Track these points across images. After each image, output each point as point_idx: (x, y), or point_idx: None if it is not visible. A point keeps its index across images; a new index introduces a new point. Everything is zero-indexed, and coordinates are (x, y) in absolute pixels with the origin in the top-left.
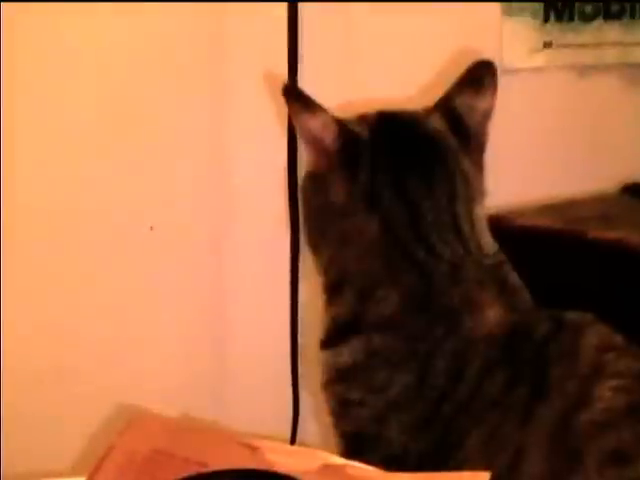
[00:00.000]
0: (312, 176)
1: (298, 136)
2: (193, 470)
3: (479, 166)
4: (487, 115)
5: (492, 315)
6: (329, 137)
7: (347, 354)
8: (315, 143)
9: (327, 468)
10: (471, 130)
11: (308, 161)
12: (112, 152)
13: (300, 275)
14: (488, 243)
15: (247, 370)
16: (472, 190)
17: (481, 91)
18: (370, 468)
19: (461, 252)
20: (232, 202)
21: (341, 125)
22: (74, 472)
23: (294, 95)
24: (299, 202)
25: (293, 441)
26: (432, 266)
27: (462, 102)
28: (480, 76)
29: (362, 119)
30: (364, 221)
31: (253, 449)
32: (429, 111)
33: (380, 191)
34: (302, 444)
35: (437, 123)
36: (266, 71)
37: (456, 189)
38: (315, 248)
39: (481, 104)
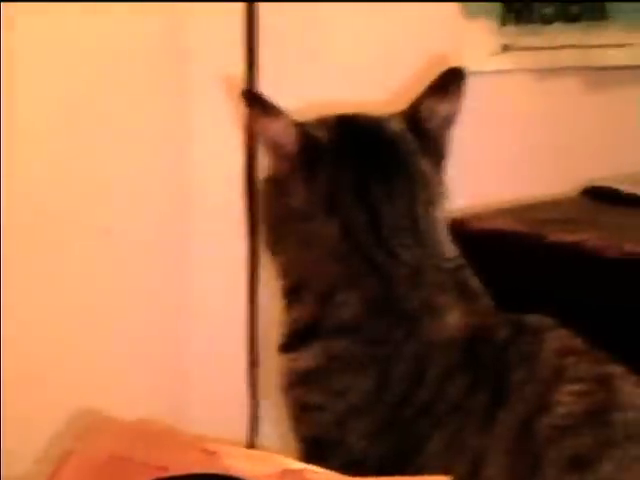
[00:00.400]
0: (272, 180)
1: (259, 140)
2: (152, 475)
3: (439, 169)
4: (448, 120)
5: (452, 319)
6: (289, 141)
7: (307, 358)
8: (275, 147)
9: (286, 473)
10: (431, 133)
11: (268, 165)
12: (68, 154)
13: (258, 279)
14: (448, 247)
15: (206, 374)
16: (432, 193)
17: (445, 96)
18: (329, 472)
19: (421, 256)
20: (190, 206)
21: (301, 129)
22: (32, 477)
23: (253, 99)
24: (258, 206)
25: (251, 445)
26: (392, 270)
27: (425, 106)
28: (446, 82)
29: (322, 122)
30: (324, 225)
31: (211, 454)
32: (392, 115)
33: (340, 195)
34: (261, 448)
35: (397, 126)
36: (225, 74)
37: (416, 192)
38: (275, 252)
39: (443, 108)
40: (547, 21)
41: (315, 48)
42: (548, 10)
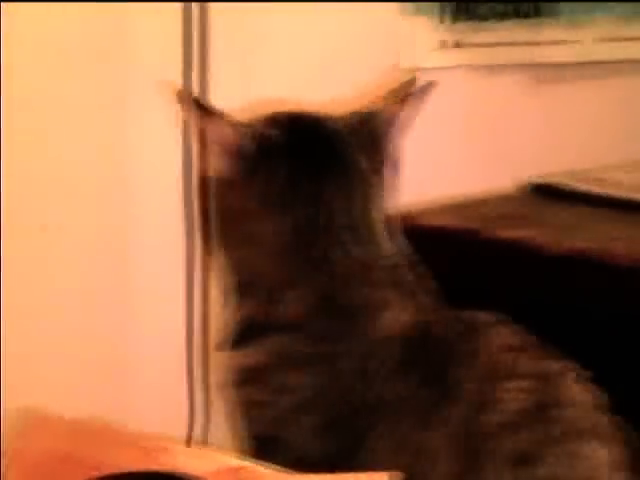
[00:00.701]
0: (221, 181)
1: (205, 142)
2: (90, 473)
3: (380, 168)
4: (389, 120)
5: (397, 316)
6: (242, 141)
7: (254, 355)
8: (226, 149)
9: (227, 470)
10: (371, 133)
11: (216, 167)
12: (5, 149)
13: (195, 277)
14: (395, 243)
15: (147, 370)
16: (370, 191)
17: (400, 98)
18: (266, 470)
19: (367, 253)
20: (128, 203)
21: (254, 129)
22: None
23: (196, 104)
24: (197, 204)
25: (189, 443)
26: (339, 268)
27: (368, 107)
28: (397, 87)
29: (272, 121)
30: (274, 223)
31: (149, 451)
32: (335, 115)
33: (291, 194)
34: (204, 445)
35: (347, 123)
36: (163, 76)
37: (364, 191)
38: (225, 247)
39: (394, 107)
40: (494, 18)
41: (256, 47)
42: (497, 6)
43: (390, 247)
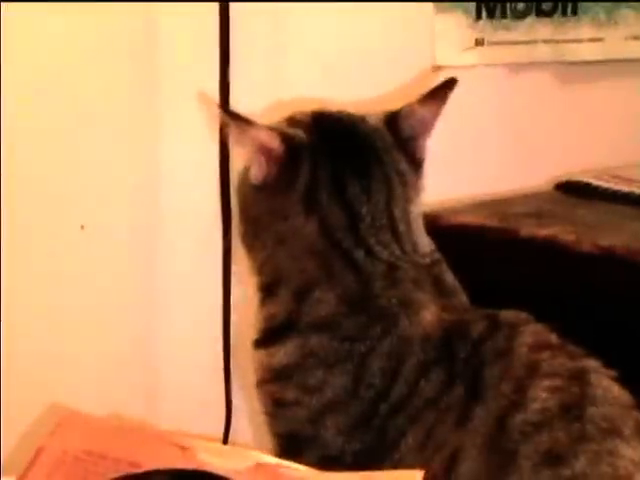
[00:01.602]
0: (258, 187)
1: (244, 150)
2: (124, 471)
3: (416, 165)
4: (426, 121)
5: (428, 315)
6: (275, 144)
7: (283, 354)
8: (264, 153)
9: (259, 468)
10: (408, 132)
11: (255, 173)
12: (43, 150)
13: (232, 275)
14: (424, 242)
15: (180, 368)
16: (409, 190)
17: (429, 99)
18: (302, 467)
19: (398, 253)
20: (164, 202)
21: (281, 131)
22: (4, 472)
23: (232, 115)
24: (238, 204)
25: (225, 440)
26: (369, 267)
27: (406, 106)
28: (434, 88)
29: (297, 122)
30: (302, 223)
31: (185, 449)
32: (369, 113)
33: (319, 194)
34: (235, 443)
35: (373, 123)
36: (198, 78)
37: (393, 191)
38: (251, 248)
39: (424, 109)
40: (520, 16)
41: (286, 46)
42: (520, 5)
43: (427, 245)
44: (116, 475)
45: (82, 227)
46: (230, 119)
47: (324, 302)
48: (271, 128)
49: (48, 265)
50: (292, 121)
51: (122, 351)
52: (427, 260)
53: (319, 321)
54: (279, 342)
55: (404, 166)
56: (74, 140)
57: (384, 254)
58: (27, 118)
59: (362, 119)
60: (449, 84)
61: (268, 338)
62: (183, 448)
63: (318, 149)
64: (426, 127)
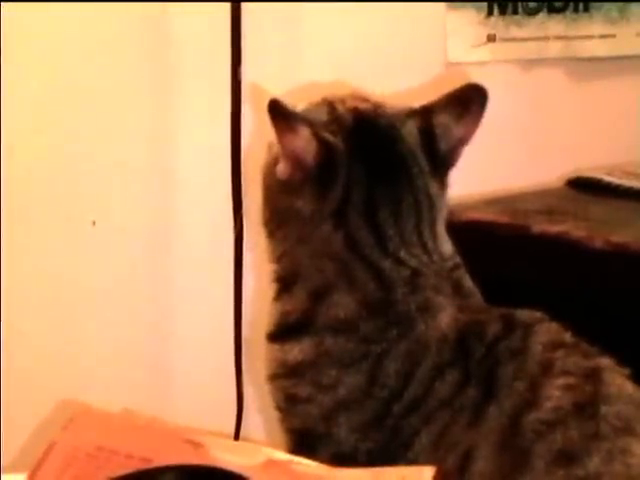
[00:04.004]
0: (283, 182)
1: (279, 149)
2: (136, 466)
3: (445, 186)
4: (464, 141)
5: (445, 317)
6: (309, 155)
7: (297, 351)
8: (295, 159)
9: (271, 464)
10: (442, 153)
11: (281, 170)
12: (55, 147)
13: (244, 268)
14: (448, 248)
15: (191, 364)
16: (437, 211)
17: (464, 117)
18: (313, 464)
19: (424, 261)
20: (175, 198)
21: (321, 141)
22: (16, 468)
23: (277, 112)
24: (263, 188)
25: (237, 436)
26: (394, 275)
27: (442, 122)
28: (468, 100)
29: (338, 122)
30: (328, 234)
31: (197, 445)
32: (407, 118)
33: (349, 213)
34: (247, 439)
35: (412, 138)
36: (210, 62)
37: (422, 214)
38: (272, 235)
39: (460, 129)
40: (531, 12)
41: (300, 38)
42: (532, 2)
43: (449, 249)
44: (128, 471)
45: (94, 223)
46: (273, 116)
47: (342, 305)
48: (312, 136)
49: (60, 261)
50: (333, 116)
51: (134, 347)
52: (449, 264)
53: (336, 323)
54: (294, 339)
55: (434, 190)
56: (86, 137)
57: (412, 262)
58: (39, 115)
59: (403, 134)
60: (480, 97)
61: (283, 333)
62: (194, 444)
63: (354, 168)
64: (461, 148)
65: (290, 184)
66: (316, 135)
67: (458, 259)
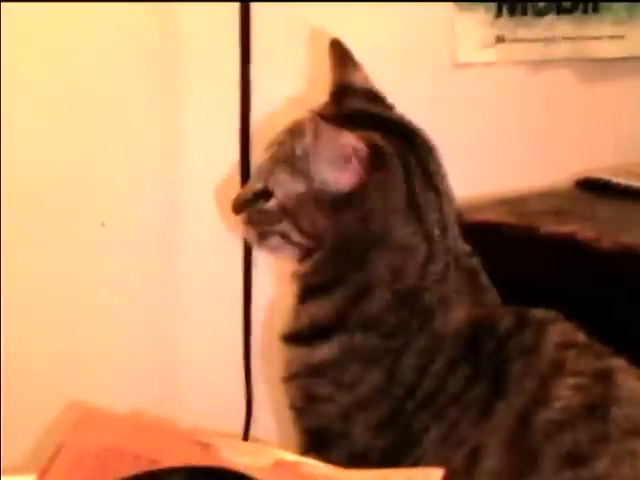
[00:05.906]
0: (342, 196)
1: (321, 160)
2: (144, 468)
3: None
4: None
5: (461, 312)
6: (361, 154)
7: (324, 351)
8: (346, 162)
9: (280, 465)
10: None
11: (345, 181)
12: (64, 148)
13: (253, 270)
14: (463, 245)
15: (200, 365)
16: (454, 207)
17: None
18: (321, 465)
19: (454, 254)
20: (184, 200)
21: (369, 145)
22: (24, 469)
23: (323, 121)
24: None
25: (246, 437)
26: (434, 263)
27: None
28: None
29: (377, 129)
30: (402, 225)
31: (205, 446)
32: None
33: (416, 200)
34: (255, 440)
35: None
36: (218, 64)
37: (444, 207)
38: (315, 247)
39: None
40: (540, 13)
41: (308, 40)
42: (541, 3)
43: (458, 246)
44: (136, 472)
45: (103, 224)
46: (323, 124)
47: (379, 299)
48: (359, 137)
49: (70, 262)
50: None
51: (142, 347)
52: (466, 260)
53: (367, 319)
54: (325, 339)
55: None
56: (94, 138)
57: (447, 257)
58: (47, 117)
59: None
60: None
61: (309, 335)
62: (203, 445)
63: (398, 166)
64: None
65: (352, 192)
66: (363, 139)
67: (475, 255)
